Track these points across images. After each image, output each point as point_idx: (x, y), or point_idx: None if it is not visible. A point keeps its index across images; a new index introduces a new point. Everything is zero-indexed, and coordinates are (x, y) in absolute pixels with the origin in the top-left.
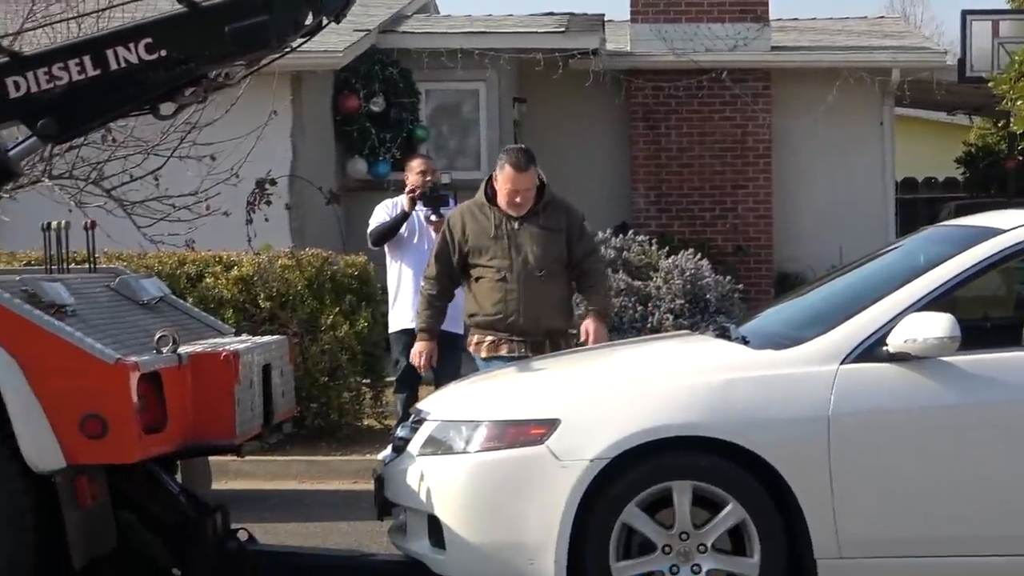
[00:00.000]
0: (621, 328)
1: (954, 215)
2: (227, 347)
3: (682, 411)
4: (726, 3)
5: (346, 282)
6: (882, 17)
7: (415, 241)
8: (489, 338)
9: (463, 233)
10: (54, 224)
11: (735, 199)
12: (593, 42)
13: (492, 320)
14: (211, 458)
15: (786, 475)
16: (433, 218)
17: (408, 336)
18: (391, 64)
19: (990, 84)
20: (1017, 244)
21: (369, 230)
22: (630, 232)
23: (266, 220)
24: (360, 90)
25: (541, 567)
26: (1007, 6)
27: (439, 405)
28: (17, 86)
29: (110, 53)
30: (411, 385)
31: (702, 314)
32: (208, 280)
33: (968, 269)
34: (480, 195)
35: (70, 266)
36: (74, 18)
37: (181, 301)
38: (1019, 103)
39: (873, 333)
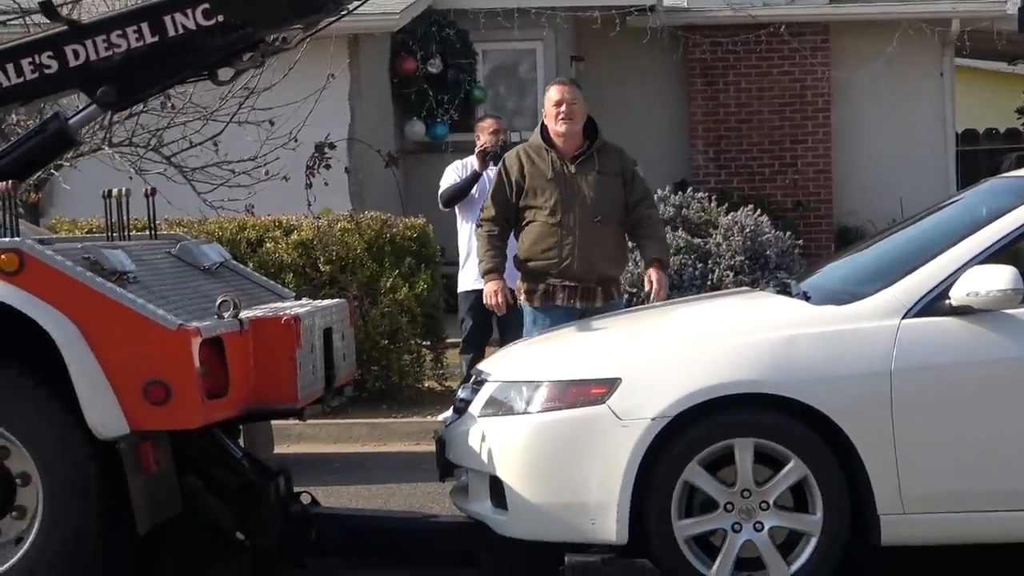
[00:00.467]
0: (681, 286)
1: (1015, 166)
2: (288, 311)
3: (743, 368)
4: None
5: (405, 245)
6: None
7: (483, 199)
8: (541, 285)
9: (520, 173)
10: (115, 191)
11: (794, 154)
12: None
13: (544, 265)
14: (273, 422)
15: (848, 431)
16: None
17: (477, 295)
18: (448, 25)
19: None
20: None
21: (440, 192)
22: (689, 189)
23: (325, 184)
24: (417, 52)
25: (603, 526)
26: None
27: (500, 366)
28: (76, 54)
29: (168, 20)
30: (478, 345)
31: (762, 271)
32: (268, 245)
33: None
34: (536, 137)
35: (131, 233)
36: None
37: (242, 266)
38: None
39: (935, 287)
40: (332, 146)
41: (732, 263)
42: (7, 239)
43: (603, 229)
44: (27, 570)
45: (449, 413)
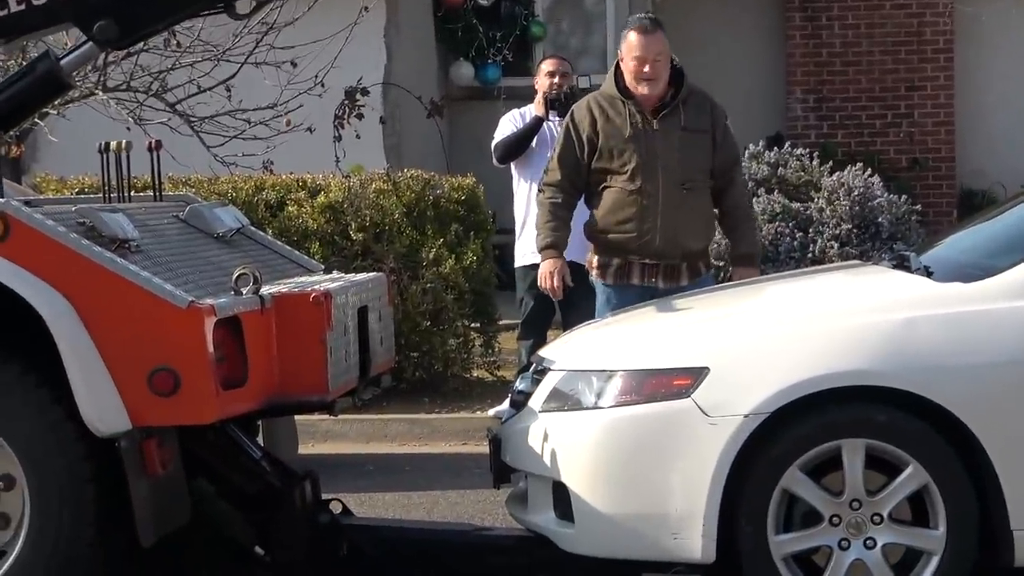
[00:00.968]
0: (777, 259)
1: None
2: (317, 287)
3: (854, 357)
4: None
5: (451, 209)
6: None
7: (546, 156)
8: (616, 261)
9: (593, 129)
10: (113, 145)
11: (910, 103)
12: None
13: (622, 239)
14: (298, 418)
15: (977, 431)
16: None
17: (537, 272)
18: None
19: None
20: None
21: (494, 143)
22: (786, 145)
23: (357, 136)
24: None
25: (687, 542)
26: None
27: (565, 352)
28: None
29: None
30: (539, 329)
31: (872, 241)
32: (291, 208)
33: None
34: (610, 85)
35: (132, 194)
36: None
37: (261, 233)
38: None
39: None
40: (365, 92)
41: (837, 232)
42: None
43: (689, 197)
44: None
45: (504, 408)
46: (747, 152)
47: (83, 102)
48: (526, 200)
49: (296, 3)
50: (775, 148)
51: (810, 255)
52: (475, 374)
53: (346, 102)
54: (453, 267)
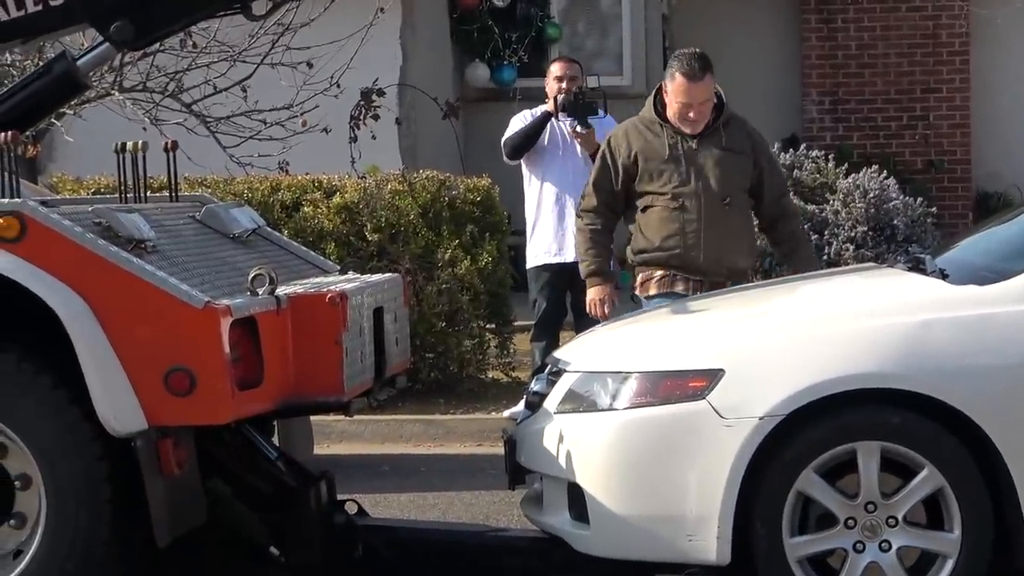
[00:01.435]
0: None
1: None
2: (333, 287)
3: (869, 359)
4: None
5: (467, 210)
6: None
7: (559, 157)
8: (659, 272)
9: (629, 156)
10: (130, 145)
11: (926, 105)
12: None
13: (665, 256)
14: (312, 418)
15: (992, 434)
16: (580, 129)
17: (551, 273)
18: None
19: None
20: None
21: (503, 140)
22: (802, 147)
23: (372, 137)
24: None
25: (702, 543)
26: None
27: (580, 354)
28: None
29: None
30: (551, 331)
31: (888, 243)
32: (306, 209)
33: None
34: (648, 110)
35: (148, 194)
36: None
37: (277, 234)
38: None
39: None
40: (381, 93)
41: (852, 234)
42: (6, 200)
43: (732, 213)
44: None
45: (519, 409)
46: None
47: (99, 102)
48: (536, 200)
49: (312, 4)
50: (790, 150)
51: (825, 257)
52: (490, 375)
53: (362, 103)
54: (468, 268)
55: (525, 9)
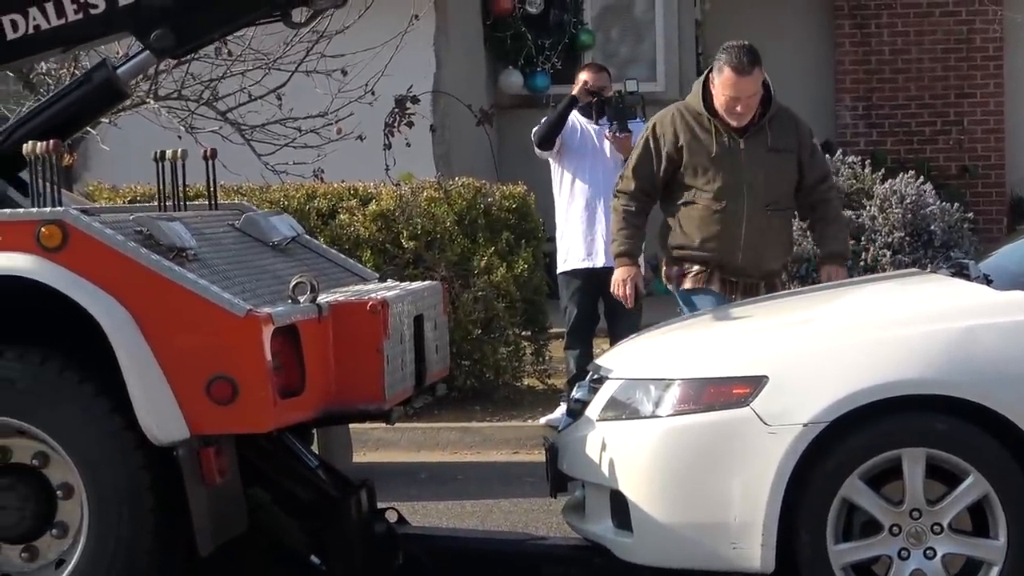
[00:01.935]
0: None
1: None
2: (374, 295)
3: (915, 365)
4: None
5: (502, 217)
6: None
7: (590, 160)
8: (696, 267)
9: (676, 145)
10: (168, 153)
11: (960, 110)
12: None
13: (704, 256)
14: (350, 426)
15: None
16: (619, 134)
17: (581, 278)
18: None
19: None
20: None
21: (533, 131)
22: (837, 152)
23: (407, 145)
24: None
25: (746, 551)
26: None
27: (623, 361)
28: None
29: None
30: (585, 338)
31: (925, 249)
32: (342, 216)
33: None
34: (697, 100)
35: (187, 203)
36: None
37: (316, 242)
38: None
39: None
40: (415, 100)
41: (890, 240)
42: (48, 209)
43: (774, 218)
44: None
45: (556, 416)
46: None
47: (134, 110)
48: (567, 204)
49: (346, 11)
50: (827, 155)
51: (863, 263)
52: (526, 382)
53: (396, 110)
54: (504, 275)
55: (558, 16)
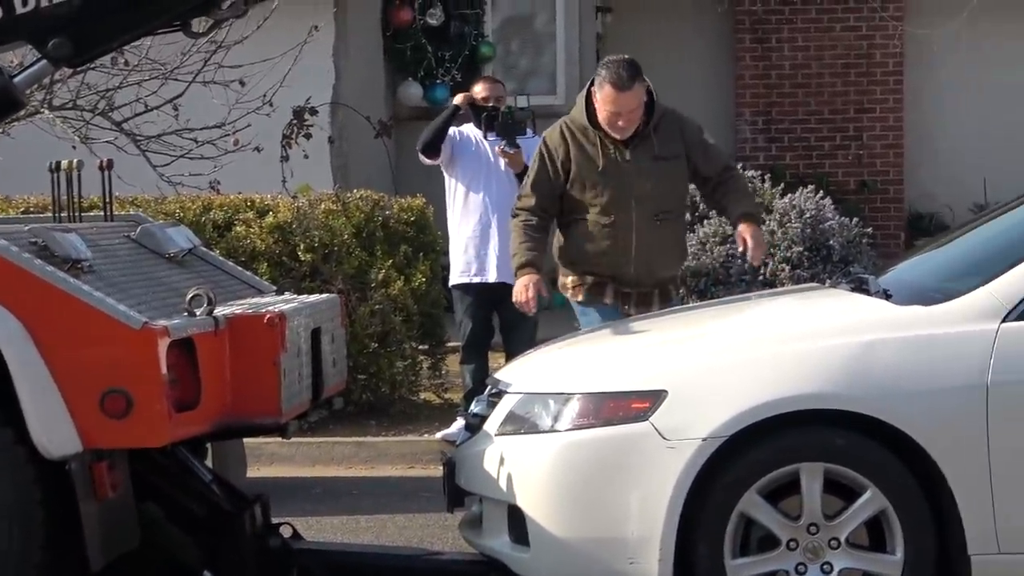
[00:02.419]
0: (728, 281)
1: None
2: (271, 308)
3: (813, 380)
4: None
5: (400, 229)
6: None
7: (484, 175)
8: (590, 279)
9: (565, 159)
10: (64, 164)
11: (859, 125)
12: None
13: (595, 270)
14: (245, 441)
15: (936, 456)
16: (508, 149)
17: (474, 292)
18: None
19: None
20: None
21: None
22: (738, 167)
23: (305, 156)
24: (414, 0)
25: (644, 566)
26: None
27: (522, 375)
28: (24, 0)
29: None
30: (480, 352)
31: (824, 263)
32: (238, 228)
33: None
34: (580, 113)
35: (82, 214)
36: None
37: (213, 254)
38: None
39: None
40: (313, 111)
41: (789, 254)
42: None
43: (665, 227)
44: None
45: (453, 430)
46: None
47: (28, 120)
48: (459, 216)
49: (245, 22)
50: None
51: (761, 278)
52: (422, 396)
53: (294, 121)
54: (402, 288)
55: (459, 27)
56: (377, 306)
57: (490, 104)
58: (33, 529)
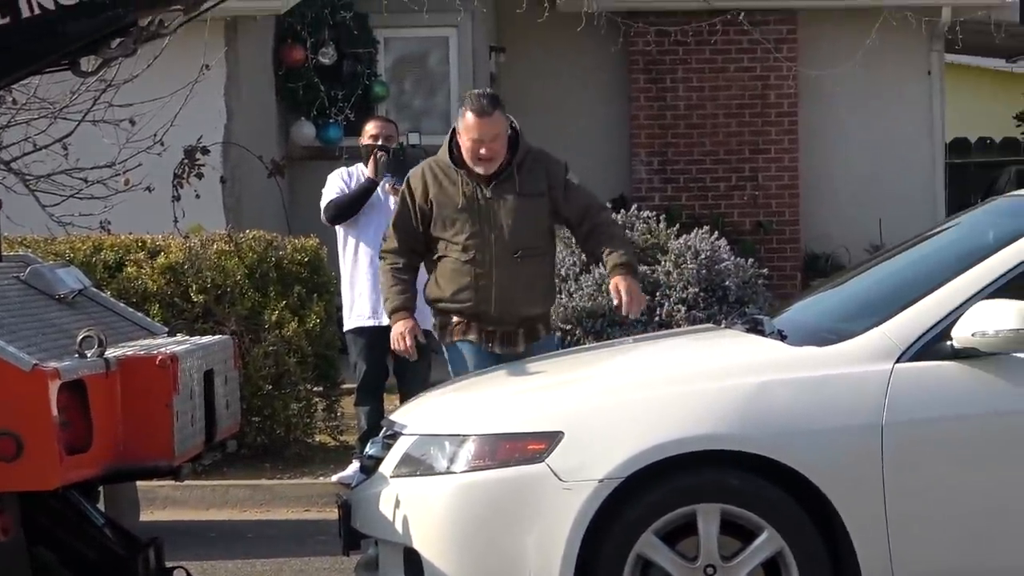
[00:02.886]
0: (624, 323)
1: (1015, 183)
2: (163, 350)
3: (708, 421)
4: None
5: (294, 270)
6: None
7: (374, 216)
8: (455, 319)
9: (425, 198)
10: None
11: (754, 166)
12: None
13: (458, 308)
14: (139, 483)
15: (831, 496)
16: (398, 187)
17: (368, 335)
18: (344, 6)
19: None
20: None
21: (324, 203)
22: (632, 208)
23: (196, 196)
24: (307, 39)
25: None
26: None
27: (417, 416)
28: None
29: None
30: (375, 394)
31: (720, 304)
32: (129, 269)
33: None
34: (444, 154)
35: None
36: None
37: (103, 295)
38: None
39: (934, 325)
40: (205, 151)
41: (684, 295)
42: None
43: (525, 265)
44: None
45: (348, 473)
46: None
47: None
48: (352, 260)
49: (135, 60)
50: (620, 210)
51: (658, 319)
52: (317, 439)
53: (185, 161)
54: (296, 330)
55: (352, 66)
56: (271, 347)
57: (379, 142)
58: None
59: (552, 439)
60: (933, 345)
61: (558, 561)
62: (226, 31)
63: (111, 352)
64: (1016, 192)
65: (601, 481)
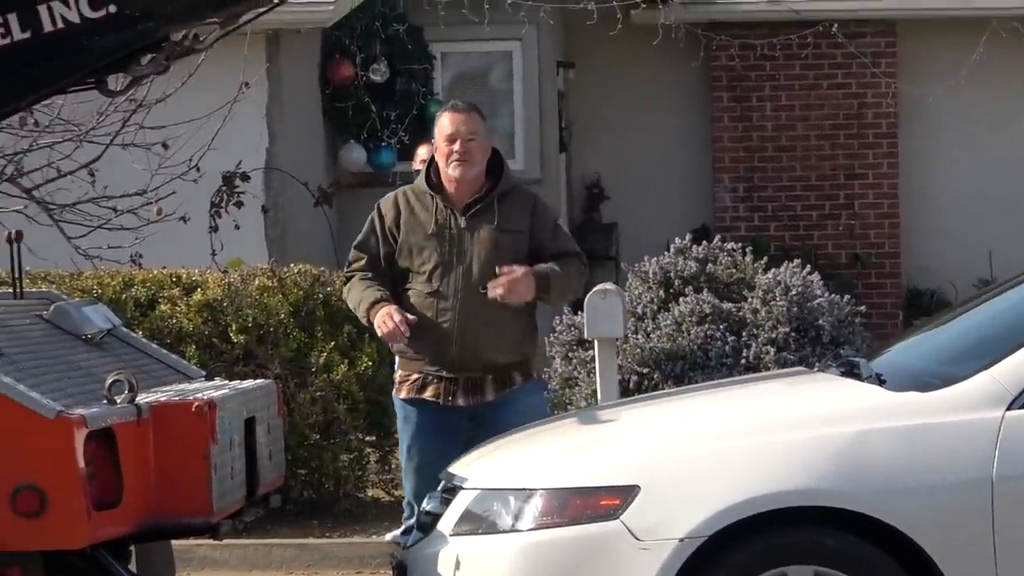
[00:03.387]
0: (707, 365)
1: None
2: (199, 395)
3: (801, 474)
4: None
5: (343, 308)
6: None
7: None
8: (413, 376)
9: (395, 223)
10: None
11: (850, 192)
12: None
13: (418, 346)
14: (173, 542)
15: (936, 557)
16: None
17: None
18: (397, 19)
19: None
20: None
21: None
22: (715, 239)
23: (236, 227)
24: (356, 54)
25: None
26: None
27: (479, 469)
28: None
29: (43, 10)
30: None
31: (812, 345)
32: (163, 307)
33: None
34: (421, 181)
35: None
36: None
37: (134, 335)
38: None
39: None
40: (245, 177)
41: (774, 335)
42: None
43: (494, 304)
44: None
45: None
46: (672, 247)
47: None
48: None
49: (168, 78)
50: (702, 242)
51: (744, 361)
52: (370, 493)
53: (224, 188)
54: (346, 373)
55: (406, 84)
56: (318, 393)
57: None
58: None
59: (627, 494)
60: None
61: None
62: (268, 46)
63: (143, 398)
64: None
65: (682, 540)
